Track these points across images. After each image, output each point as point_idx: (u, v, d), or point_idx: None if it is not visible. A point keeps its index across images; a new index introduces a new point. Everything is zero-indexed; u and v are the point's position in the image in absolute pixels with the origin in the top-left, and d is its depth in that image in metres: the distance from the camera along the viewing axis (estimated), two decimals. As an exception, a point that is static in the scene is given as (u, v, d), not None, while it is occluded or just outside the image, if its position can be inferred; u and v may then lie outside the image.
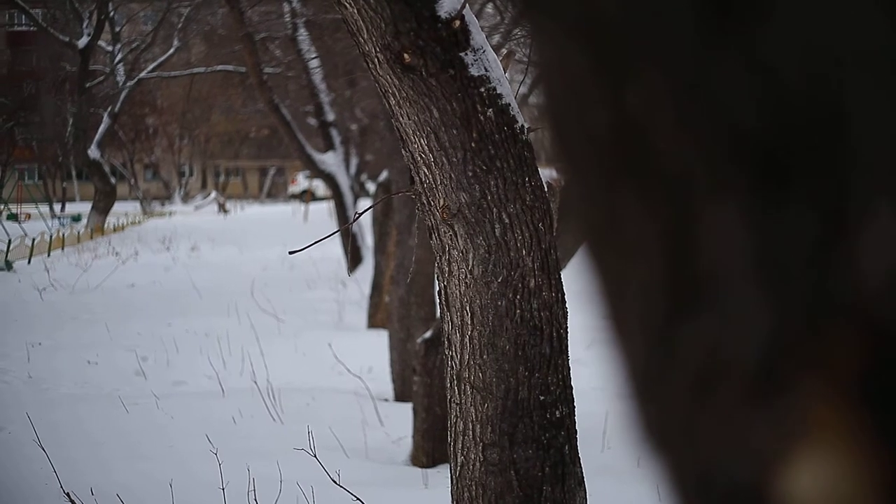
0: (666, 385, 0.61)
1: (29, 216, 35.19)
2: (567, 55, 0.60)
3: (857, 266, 0.52)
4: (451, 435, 3.71)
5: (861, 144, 0.51)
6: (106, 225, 32.90)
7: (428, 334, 7.75)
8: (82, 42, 28.96)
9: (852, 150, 0.51)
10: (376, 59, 3.40)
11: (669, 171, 0.57)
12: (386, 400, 9.55)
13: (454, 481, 3.72)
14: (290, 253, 3.89)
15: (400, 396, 9.58)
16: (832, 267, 0.52)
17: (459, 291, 3.63)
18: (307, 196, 46.23)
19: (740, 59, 0.53)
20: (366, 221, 19.90)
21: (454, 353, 3.67)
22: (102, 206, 32.22)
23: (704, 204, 0.56)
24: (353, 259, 19.79)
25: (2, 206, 35.29)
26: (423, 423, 7.62)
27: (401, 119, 3.50)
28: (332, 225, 25.79)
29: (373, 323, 14.02)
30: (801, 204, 0.53)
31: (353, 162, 20.87)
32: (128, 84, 31.64)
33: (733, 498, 0.59)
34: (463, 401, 3.67)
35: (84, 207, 35.39)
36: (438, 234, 3.61)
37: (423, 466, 7.48)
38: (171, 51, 31.30)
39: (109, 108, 31.17)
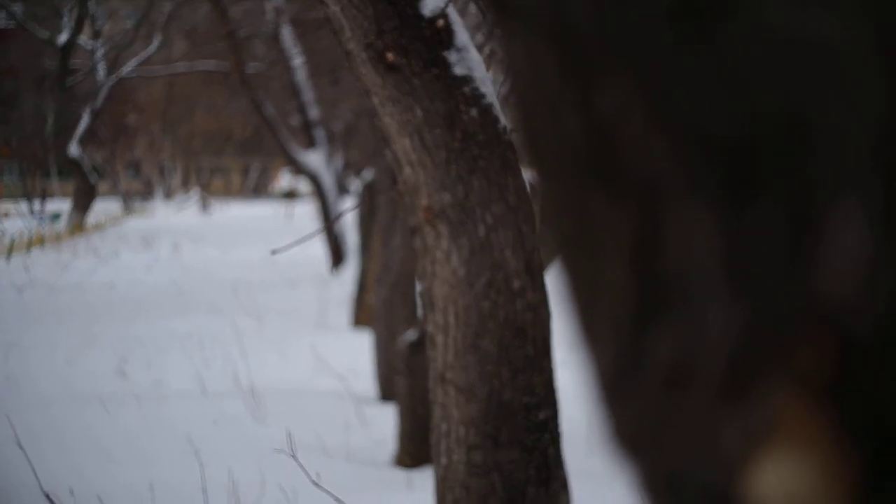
0: (634, 388, 0.62)
1: (7, 214, 35.11)
2: (538, 58, 0.61)
3: (824, 269, 0.53)
4: (434, 436, 3.72)
5: (827, 146, 0.52)
6: (86, 223, 32.83)
7: (412, 336, 7.76)
8: (62, 39, 28.91)
9: (819, 152, 0.53)
10: (359, 58, 3.41)
11: (639, 174, 0.58)
12: (369, 400, 9.56)
13: (437, 483, 3.73)
14: (273, 253, 3.89)
15: (383, 397, 9.59)
16: (800, 270, 0.54)
17: (443, 292, 3.64)
18: (291, 195, 46.20)
19: (710, 62, 0.54)
20: (350, 221, 19.90)
21: (437, 355, 3.68)
22: (83, 204, 32.15)
23: (673, 207, 0.57)
24: (336, 258, 19.79)
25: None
26: (407, 425, 7.63)
27: (384, 118, 3.51)
28: (316, 224, 25.79)
29: (357, 322, 14.02)
30: (769, 206, 0.54)
31: (338, 160, 20.88)
32: (109, 82, 31.58)
33: (703, 500, 0.60)
34: (446, 402, 3.68)
35: (64, 205, 35.31)
36: (422, 235, 3.62)
37: (406, 467, 7.49)
38: (153, 49, 31.25)
39: (90, 106, 31.10)
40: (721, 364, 0.57)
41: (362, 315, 13.77)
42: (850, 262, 0.52)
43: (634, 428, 0.64)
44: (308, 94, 18.42)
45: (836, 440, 0.55)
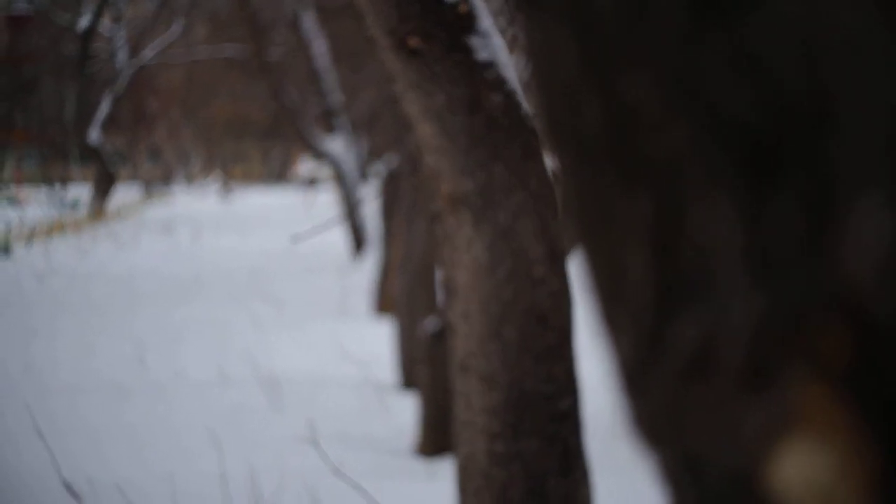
0: (655, 376, 0.62)
1: (26, 199, 35.21)
2: (560, 45, 0.61)
3: (845, 257, 0.53)
4: (455, 425, 3.72)
5: (849, 136, 0.52)
6: (107, 210, 32.95)
7: (433, 324, 7.76)
8: (82, 25, 28.97)
9: (840, 142, 0.53)
10: (382, 44, 3.41)
11: (659, 162, 0.58)
12: (390, 389, 9.57)
13: (458, 472, 3.74)
14: (292, 241, 3.90)
15: (405, 385, 9.61)
16: (820, 258, 0.54)
17: (464, 280, 3.64)
18: (312, 182, 46.25)
19: (730, 50, 0.54)
20: (372, 207, 19.91)
21: (459, 343, 3.68)
22: (102, 190, 32.28)
23: (694, 195, 0.57)
24: (357, 246, 19.81)
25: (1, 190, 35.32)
26: (428, 413, 7.64)
27: (406, 104, 3.51)
28: (337, 212, 25.80)
29: (379, 310, 14.04)
30: (790, 196, 0.54)
31: (362, 146, 20.88)
32: (129, 67, 31.65)
33: (724, 489, 0.61)
34: (468, 391, 3.68)
35: (85, 190, 35.43)
36: (443, 222, 3.62)
37: (427, 456, 7.50)
38: (175, 35, 31.28)
39: (110, 92, 31.18)
40: (742, 352, 0.58)
41: (384, 303, 13.79)
42: (871, 251, 0.53)
43: (655, 416, 0.64)
44: (329, 80, 18.43)
45: (855, 428, 0.55)
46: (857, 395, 0.55)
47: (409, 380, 9.40)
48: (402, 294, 9.94)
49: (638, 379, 0.64)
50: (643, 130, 0.59)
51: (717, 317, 0.58)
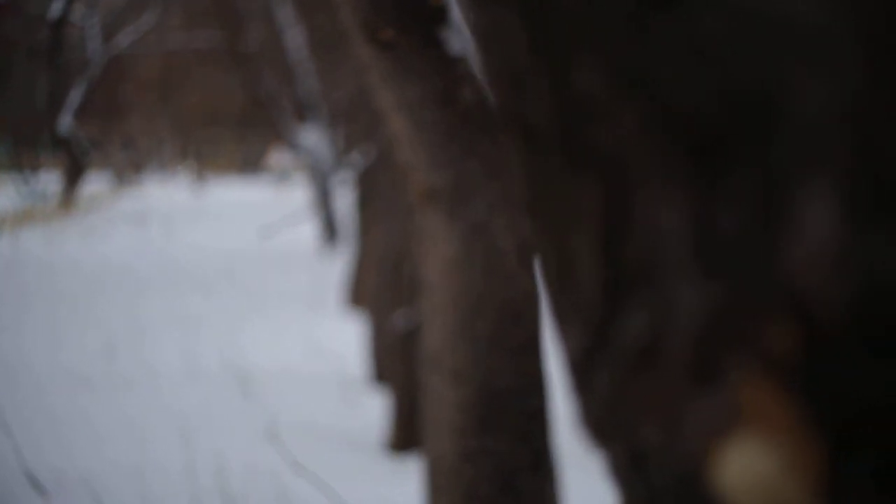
0: (602, 370, 0.63)
1: None
2: (507, 32, 0.62)
3: (793, 252, 0.53)
4: (426, 420, 3.73)
5: (799, 126, 0.53)
6: (77, 200, 32.79)
7: (405, 318, 7.76)
8: (54, 13, 28.81)
9: (788, 133, 0.53)
10: (356, 36, 3.41)
11: (608, 151, 0.58)
12: (361, 383, 9.57)
13: (427, 468, 3.74)
14: (262, 235, 3.90)
15: (376, 379, 9.60)
16: (767, 251, 0.54)
17: (437, 274, 3.64)
18: (283, 176, 46.12)
19: (678, 38, 0.55)
20: (345, 200, 19.87)
21: (432, 338, 3.69)
22: (72, 181, 32.12)
23: (642, 185, 0.57)
24: (330, 239, 19.78)
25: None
26: (399, 408, 7.64)
27: (381, 97, 3.51)
28: (309, 204, 25.73)
29: (352, 303, 14.03)
30: (737, 187, 0.54)
31: (338, 137, 20.80)
32: (102, 56, 31.50)
33: (671, 486, 0.61)
34: (439, 386, 3.68)
35: (55, 179, 35.27)
36: (418, 216, 3.62)
37: (397, 451, 7.50)
38: (148, 24, 31.11)
39: (83, 81, 31.03)
40: (688, 346, 0.58)
41: (357, 296, 13.78)
42: (820, 246, 0.53)
43: (602, 411, 0.65)
44: (304, 71, 18.38)
45: (801, 427, 0.55)
46: (803, 392, 0.55)
47: (381, 374, 9.40)
48: (376, 288, 9.93)
49: (585, 372, 0.65)
50: (591, 118, 0.59)
51: (664, 309, 0.58)
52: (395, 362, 7.83)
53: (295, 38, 17.77)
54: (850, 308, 0.53)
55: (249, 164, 62.28)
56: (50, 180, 35.74)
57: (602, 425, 0.65)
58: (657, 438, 0.62)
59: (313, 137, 18.82)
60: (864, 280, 0.52)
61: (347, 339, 11.39)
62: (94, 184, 40.40)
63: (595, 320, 0.63)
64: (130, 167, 53.53)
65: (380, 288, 9.81)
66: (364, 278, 13.18)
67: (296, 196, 38.15)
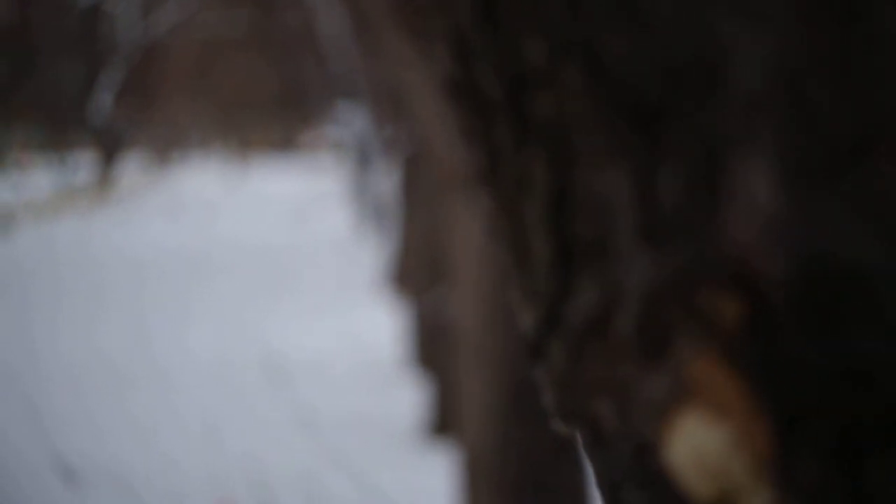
0: (557, 350, 0.63)
1: (28, 164, 35.11)
2: (455, 7, 0.62)
3: (731, 222, 0.54)
4: (461, 407, 3.75)
5: (735, 98, 0.53)
6: (113, 181, 32.98)
7: (437, 301, 7.77)
8: (87, 1, 28.94)
9: (726, 103, 0.53)
10: (388, 22, 3.43)
11: (551, 122, 0.59)
12: (399, 369, 9.59)
13: (462, 452, 3.76)
14: (298, 220, 3.92)
15: (418, 364, 9.62)
16: (709, 223, 0.54)
17: (468, 258, 3.66)
18: (329, 150, 46.09)
19: (616, 7, 0.55)
20: (387, 186, 19.85)
21: (467, 326, 3.71)
22: (109, 162, 32.32)
23: (585, 156, 0.58)
24: (369, 225, 19.79)
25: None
26: (435, 394, 7.66)
27: (411, 83, 3.53)
28: (348, 188, 25.75)
29: (395, 288, 14.05)
30: (678, 158, 0.54)
31: (383, 123, 20.76)
32: (137, 43, 31.63)
33: (628, 461, 0.62)
34: (474, 373, 3.71)
35: (91, 161, 35.45)
36: (451, 200, 3.64)
37: (434, 436, 7.52)
38: (183, 13, 31.20)
39: (119, 64, 31.18)
40: (635, 320, 0.58)
41: (400, 281, 13.79)
42: (759, 217, 0.53)
43: (559, 388, 0.65)
44: (343, 52, 18.36)
45: (748, 403, 0.56)
46: (750, 367, 0.55)
47: (423, 359, 9.40)
48: (419, 272, 9.94)
49: (541, 348, 0.65)
50: (536, 87, 0.59)
51: (613, 284, 0.59)
52: (437, 346, 7.84)
53: (332, 19, 17.77)
54: (790, 279, 0.53)
55: (284, 143, 62.32)
56: (86, 162, 35.95)
57: (561, 403, 0.66)
58: (611, 414, 0.62)
59: (356, 118, 18.83)
60: (804, 250, 0.53)
61: (382, 325, 11.41)
62: (132, 164, 40.57)
63: (548, 296, 0.64)
64: (168, 147, 53.70)
65: (423, 272, 9.82)
66: (408, 263, 13.18)
67: (328, 180, 38.18)
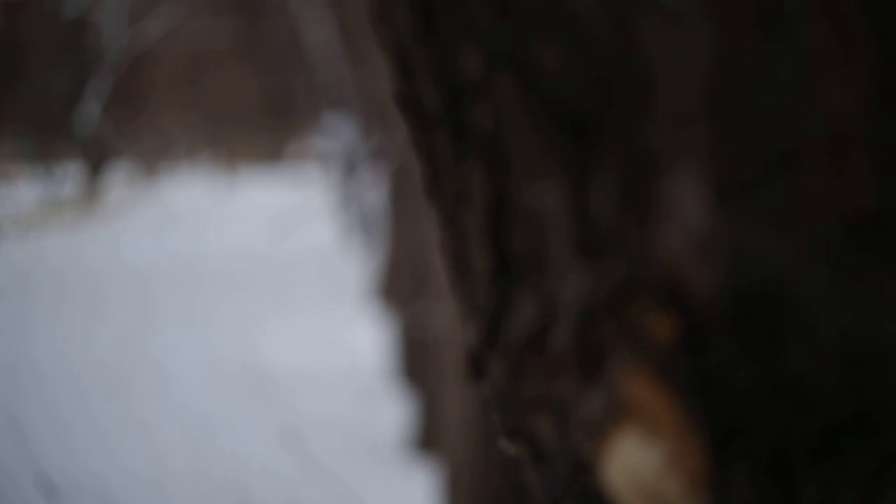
0: (496, 367, 0.63)
1: (14, 175, 35.11)
2: (396, 14, 0.62)
3: (663, 236, 0.53)
4: (443, 421, 3.74)
5: (665, 111, 0.53)
6: (100, 193, 32.96)
7: (421, 312, 7.77)
8: (74, 12, 28.97)
9: (657, 116, 0.53)
10: (371, 31, 3.43)
11: (487, 134, 0.58)
12: (384, 380, 9.59)
13: (447, 466, 3.76)
14: (282, 233, 3.91)
15: (405, 377, 9.60)
16: (642, 237, 0.54)
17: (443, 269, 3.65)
18: (314, 159, 46.11)
19: (545, 19, 0.54)
20: (373, 193, 19.85)
21: (448, 337, 3.71)
22: (96, 173, 32.31)
23: (520, 169, 0.57)
24: (355, 235, 19.78)
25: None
26: (422, 406, 7.65)
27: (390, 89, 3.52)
28: (333, 197, 25.75)
29: (382, 301, 14.05)
30: (610, 172, 0.54)
31: (370, 129, 20.75)
32: (124, 52, 31.64)
33: (567, 480, 0.61)
34: (455, 387, 3.70)
35: (78, 171, 35.43)
36: (428, 210, 3.63)
37: (418, 450, 7.51)
38: (171, 21, 31.21)
39: (106, 73, 31.18)
40: (572, 340, 0.58)
41: (387, 293, 13.79)
42: (689, 234, 0.53)
43: (499, 405, 0.65)
44: (330, 62, 18.37)
45: (682, 422, 0.55)
46: (683, 386, 0.55)
47: (409, 372, 9.39)
48: (401, 283, 9.94)
49: (482, 365, 0.65)
50: (472, 99, 0.59)
51: (549, 300, 0.58)
52: (421, 359, 7.84)
53: (318, 29, 17.79)
54: (719, 295, 0.53)
55: (272, 153, 62.30)
56: (73, 173, 35.90)
57: (503, 420, 0.65)
58: (550, 432, 0.62)
59: (343, 129, 18.83)
60: (732, 266, 0.52)
61: (367, 337, 11.41)
62: (119, 174, 40.54)
63: (488, 311, 0.63)
64: (156, 157, 53.71)
65: (409, 285, 9.81)
66: (394, 275, 13.16)
67: (314, 190, 38.15)
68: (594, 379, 0.58)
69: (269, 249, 20.96)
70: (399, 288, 10.72)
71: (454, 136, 0.61)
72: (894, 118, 0.49)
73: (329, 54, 18.28)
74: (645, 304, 0.55)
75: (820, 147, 0.50)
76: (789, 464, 0.54)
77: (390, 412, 8.39)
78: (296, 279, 16.78)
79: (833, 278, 0.50)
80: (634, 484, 0.57)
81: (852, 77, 0.49)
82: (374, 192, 18.95)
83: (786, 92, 0.50)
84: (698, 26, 0.51)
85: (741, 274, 0.52)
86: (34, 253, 20.77)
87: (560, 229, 0.57)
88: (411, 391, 8.01)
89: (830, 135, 0.49)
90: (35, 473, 6.03)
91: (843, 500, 0.54)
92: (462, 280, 0.66)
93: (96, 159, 32.36)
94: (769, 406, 0.53)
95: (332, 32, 17.79)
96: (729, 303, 0.53)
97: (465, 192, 0.62)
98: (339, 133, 18.84)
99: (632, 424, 0.57)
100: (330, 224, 21.51)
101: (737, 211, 0.52)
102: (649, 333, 0.55)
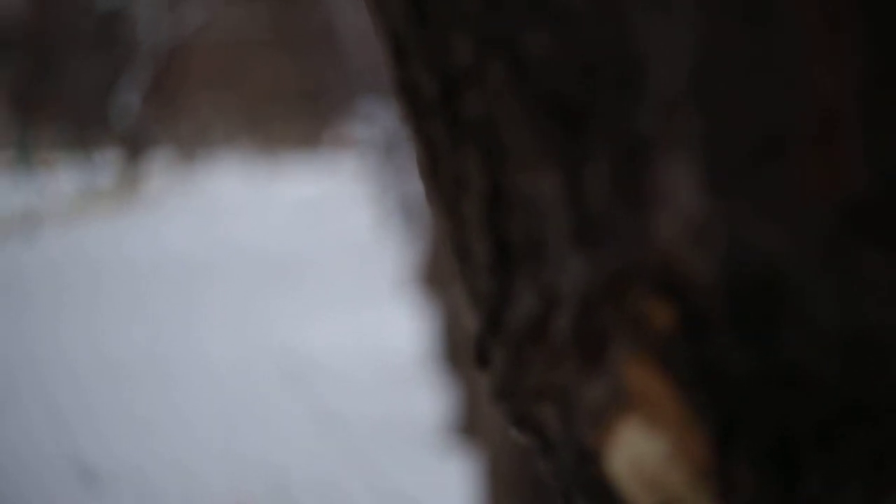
0: (500, 356, 0.62)
1: (53, 162, 35.28)
2: (391, 6, 0.62)
3: (658, 224, 0.53)
4: (484, 409, 3.74)
5: (656, 97, 0.52)
6: (138, 181, 33.12)
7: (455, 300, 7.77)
8: (110, 3, 29.11)
9: (648, 102, 0.52)
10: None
11: (481, 121, 0.58)
12: (423, 369, 9.60)
13: (485, 455, 3.76)
14: (319, 220, 3.92)
15: (440, 364, 9.62)
16: (637, 224, 0.53)
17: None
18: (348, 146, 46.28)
19: (538, 7, 0.54)
20: (414, 184, 19.87)
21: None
22: (134, 162, 32.48)
23: (515, 156, 0.57)
24: (394, 221, 19.81)
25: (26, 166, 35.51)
26: (461, 395, 7.66)
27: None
28: (371, 186, 25.80)
29: (419, 287, 14.06)
30: (604, 159, 0.54)
31: (398, 116, 20.80)
32: (161, 44, 31.79)
33: (574, 469, 0.61)
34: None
35: (116, 160, 35.62)
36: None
37: (459, 437, 7.52)
38: (209, 14, 31.34)
39: (144, 64, 31.34)
40: (573, 328, 0.58)
41: (425, 280, 13.80)
42: (684, 219, 0.52)
43: (504, 395, 0.64)
44: (366, 51, 18.39)
45: (683, 411, 0.55)
46: (682, 372, 0.54)
47: (454, 357, 9.39)
48: (442, 271, 9.94)
49: (486, 354, 0.65)
50: (465, 86, 0.59)
51: (549, 284, 0.58)
52: (464, 345, 7.84)
53: (353, 14, 17.81)
54: (716, 282, 0.52)
55: (309, 141, 62.46)
56: (111, 162, 36.09)
57: (508, 409, 0.65)
58: (555, 421, 0.61)
59: (380, 115, 18.85)
60: (727, 252, 0.52)
61: (404, 325, 11.43)
62: (157, 162, 40.73)
63: (489, 299, 0.63)
64: (193, 145, 53.92)
65: (445, 270, 9.81)
66: (437, 260, 13.16)
67: (352, 177, 38.25)
68: (596, 367, 0.57)
69: (307, 237, 21.03)
70: (441, 273, 10.72)
71: (450, 122, 0.61)
72: (886, 102, 0.48)
73: (365, 39, 18.30)
74: (643, 292, 0.54)
75: (811, 132, 0.49)
76: (792, 452, 0.54)
77: (429, 398, 8.40)
78: (334, 266, 16.82)
79: (828, 264, 0.50)
80: (639, 473, 0.57)
81: (843, 61, 0.49)
82: (413, 178, 18.97)
83: (776, 76, 0.49)
84: (687, 11, 0.51)
85: (737, 260, 0.52)
86: (73, 242, 20.91)
87: (556, 217, 0.57)
88: (452, 376, 8.02)
89: (821, 119, 0.49)
90: (74, 462, 6.08)
91: (846, 489, 0.54)
92: (463, 268, 0.66)
93: (134, 148, 32.57)
94: (769, 394, 0.53)
95: (367, 17, 17.82)
96: (726, 290, 0.52)
97: (463, 179, 0.62)
98: (376, 119, 18.86)
99: (635, 413, 0.56)
100: (368, 211, 21.56)
101: (730, 197, 0.51)
102: (648, 321, 0.55)
